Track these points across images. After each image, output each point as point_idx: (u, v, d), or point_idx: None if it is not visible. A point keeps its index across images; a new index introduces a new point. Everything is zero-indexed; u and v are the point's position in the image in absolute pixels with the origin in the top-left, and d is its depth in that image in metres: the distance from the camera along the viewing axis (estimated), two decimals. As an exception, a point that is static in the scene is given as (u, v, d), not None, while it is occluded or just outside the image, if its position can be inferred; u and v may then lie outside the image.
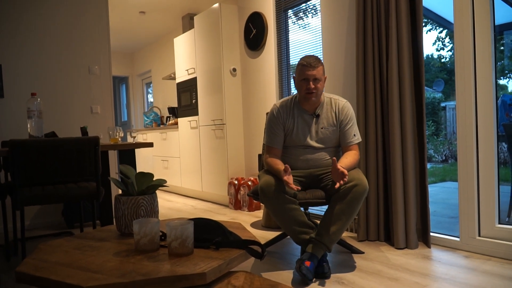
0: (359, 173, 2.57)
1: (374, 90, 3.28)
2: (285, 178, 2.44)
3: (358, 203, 2.50)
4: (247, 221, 4.27)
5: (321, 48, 3.97)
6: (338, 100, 2.82)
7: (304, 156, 2.78)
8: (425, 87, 3.10)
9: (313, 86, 2.67)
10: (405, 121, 3.09)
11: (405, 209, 3.12)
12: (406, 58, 3.08)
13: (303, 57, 2.75)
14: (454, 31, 2.95)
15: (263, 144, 2.90)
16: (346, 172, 2.41)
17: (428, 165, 3.20)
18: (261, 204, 4.83)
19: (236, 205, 4.92)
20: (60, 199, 2.87)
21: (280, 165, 2.66)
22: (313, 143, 2.77)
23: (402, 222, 3.11)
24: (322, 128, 2.77)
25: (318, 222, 2.68)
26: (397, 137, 3.12)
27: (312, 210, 4.25)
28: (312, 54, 2.81)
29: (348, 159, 2.65)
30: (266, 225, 3.98)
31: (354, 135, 2.76)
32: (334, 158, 2.49)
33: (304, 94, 2.71)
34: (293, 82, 4.06)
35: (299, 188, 2.44)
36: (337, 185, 2.42)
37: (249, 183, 4.74)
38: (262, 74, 4.85)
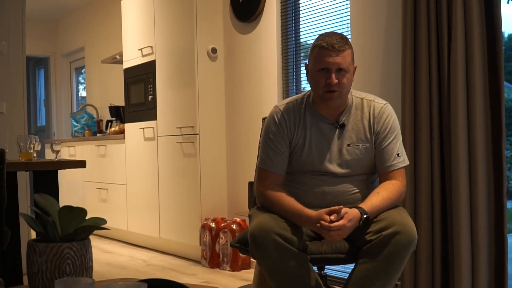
0: (402, 215, 2.59)
1: (429, 89, 3.33)
2: (327, 225, 2.50)
3: (401, 261, 2.51)
4: (229, 286, 4.28)
5: (349, 22, 4.03)
6: (373, 102, 2.83)
7: (320, 189, 2.78)
8: (506, 84, 3.14)
9: (336, 81, 2.66)
10: (475, 136, 3.13)
11: (473, 271, 3.15)
12: (477, 40, 3.13)
13: (321, 35, 2.76)
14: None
15: (256, 167, 2.91)
16: (339, 223, 2.48)
17: (509, 204, 3.25)
18: (251, 259, 4.84)
19: (213, 260, 4.93)
20: None
21: (294, 201, 2.68)
22: (335, 168, 2.78)
23: (468, 291, 3.14)
24: (348, 145, 2.77)
25: (339, 288, 2.71)
26: (462, 161, 3.16)
27: (331, 270, 4.27)
28: (334, 30, 2.84)
29: (382, 194, 2.65)
30: (258, 292, 4.00)
31: (398, 155, 2.77)
32: (341, 206, 2.53)
33: (322, 92, 2.71)
34: (304, 72, 4.08)
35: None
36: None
37: (234, 227, 4.76)
38: (257, 58, 4.90)
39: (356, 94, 2.85)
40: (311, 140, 2.79)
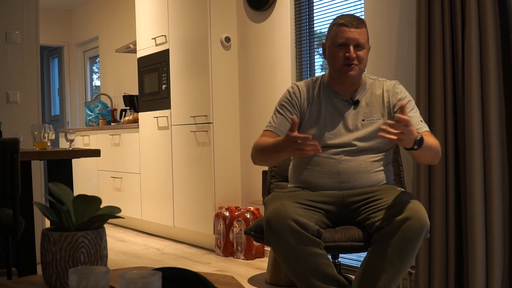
0: (413, 201, 2.60)
1: (444, 80, 3.32)
2: (294, 134, 2.43)
3: (413, 247, 2.52)
4: (243, 275, 4.29)
5: (363, 10, 4.01)
6: (385, 81, 2.95)
7: (335, 168, 2.80)
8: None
9: (354, 55, 2.79)
10: (489, 123, 3.12)
11: (487, 259, 3.15)
12: (491, 27, 3.12)
13: (339, 16, 2.89)
14: None
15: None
16: (408, 121, 2.35)
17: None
18: (265, 248, 4.85)
19: (227, 249, 4.95)
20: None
21: (271, 138, 2.74)
22: (351, 141, 2.82)
23: (481, 278, 3.14)
24: (363, 120, 2.86)
25: (353, 277, 2.70)
26: (476, 152, 3.14)
27: (345, 259, 4.27)
28: None
29: (429, 137, 2.64)
30: (273, 281, 4.00)
31: (421, 121, 2.82)
32: (403, 102, 2.47)
33: (340, 66, 2.83)
34: (321, 53, 4.10)
35: (319, 148, 2.42)
36: (382, 132, 2.37)
37: (248, 216, 4.76)
38: (270, 47, 4.89)
39: (368, 76, 2.99)
40: (325, 115, 2.88)
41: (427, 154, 2.62)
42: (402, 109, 2.43)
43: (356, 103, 2.88)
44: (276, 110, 2.94)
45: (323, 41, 2.96)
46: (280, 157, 2.74)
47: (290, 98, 2.93)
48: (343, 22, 2.81)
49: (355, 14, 2.89)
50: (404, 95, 2.88)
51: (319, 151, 2.44)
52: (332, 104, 2.89)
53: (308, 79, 3.04)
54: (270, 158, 2.80)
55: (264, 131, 2.92)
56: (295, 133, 2.44)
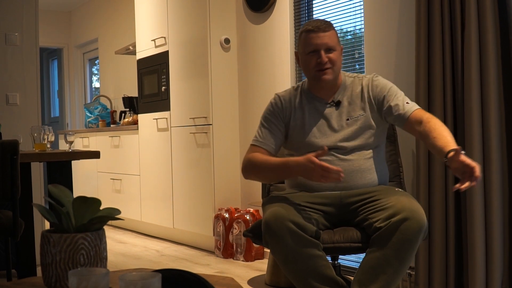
0: (411, 201, 2.60)
1: (443, 80, 3.32)
2: (324, 164, 2.47)
3: (411, 247, 2.52)
4: (242, 276, 4.29)
5: (362, 11, 4.01)
6: (364, 77, 2.97)
7: None
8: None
9: (326, 59, 2.83)
10: (489, 124, 3.13)
11: (487, 259, 3.15)
12: (491, 30, 3.12)
13: (306, 23, 2.94)
14: None
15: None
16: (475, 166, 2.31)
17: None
18: (265, 249, 4.85)
19: (227, 251, 4.95)
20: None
21: (277, 158, 2.80)
22: (340, 142, 2.84)
23: (481, 278, 3.14)
24: (348, 119, 2.88)
25: (352, 279, 2.70)
26: (476, 152, 3.14)
27: (345, 260, 4.27)
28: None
29: (439, 130, 2.61)
30: (272, 283, 4.00)
31: (407, 102, 2.82)
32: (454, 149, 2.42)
33: (314, 72, 2.87)
34: (296, 63, 4.15)
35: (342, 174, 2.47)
36: (464, 185, 2.32)
37: (247, 217, 4.76)
38: (270, 49, 4.89)
39: (348, 75, 3.01)
40: (310, 121, 2.91)
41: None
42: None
43: (338, 104, 2.91)
44: (261, 123, 3.00)
45: (295, 51, 3.01)
46: (286, 178, 2.81)
47: (272, 110, 2.98)
48: (310, 28, 2.85)
49: (321, 19, 2.96)
50: (382, 84, 2.90)
51: (342, 178, 2.50)
52: (315, 108, 2.93)
53: (290, 87, 3.08)
54: (273, 176, 2.91)
55: (251, 146, 2.97)
56: (324, 164, 2.49)
